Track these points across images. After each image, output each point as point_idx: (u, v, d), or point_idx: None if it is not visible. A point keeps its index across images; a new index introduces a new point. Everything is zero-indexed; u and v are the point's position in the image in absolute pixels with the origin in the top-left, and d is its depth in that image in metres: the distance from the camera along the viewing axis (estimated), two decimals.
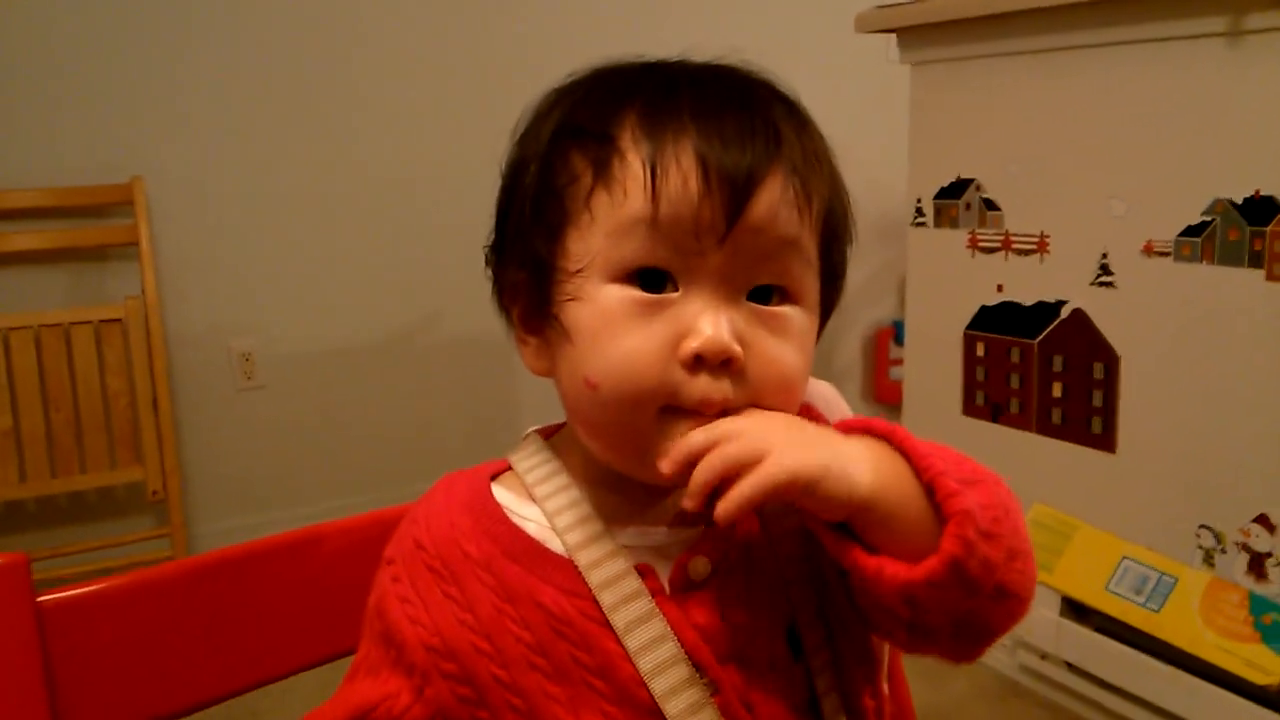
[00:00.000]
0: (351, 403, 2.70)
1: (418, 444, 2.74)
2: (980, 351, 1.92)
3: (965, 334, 1.93)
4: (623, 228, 0.51)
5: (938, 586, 0.48)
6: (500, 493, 0.58)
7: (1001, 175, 1.85)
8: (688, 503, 0.48)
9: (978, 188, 1.89)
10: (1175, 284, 1.59)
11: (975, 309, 1.91)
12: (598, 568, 0.53)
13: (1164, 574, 1.66)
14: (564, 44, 2.67)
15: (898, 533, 0.49)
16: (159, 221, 2.39)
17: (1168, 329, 1.62)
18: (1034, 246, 1.81)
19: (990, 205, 1.87)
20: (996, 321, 1.88)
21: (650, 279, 0.51)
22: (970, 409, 1.95)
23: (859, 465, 0.48)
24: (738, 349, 0.50)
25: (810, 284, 0.55)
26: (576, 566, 0.53)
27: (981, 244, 1.89)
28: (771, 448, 0.47)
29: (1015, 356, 1.85)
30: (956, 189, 1.92)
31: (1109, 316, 1.70)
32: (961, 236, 1.91)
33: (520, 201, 0.55)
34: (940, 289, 1.99)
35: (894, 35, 1.96)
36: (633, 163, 0.51)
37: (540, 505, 0.56)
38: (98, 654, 0.58)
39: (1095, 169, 1.69)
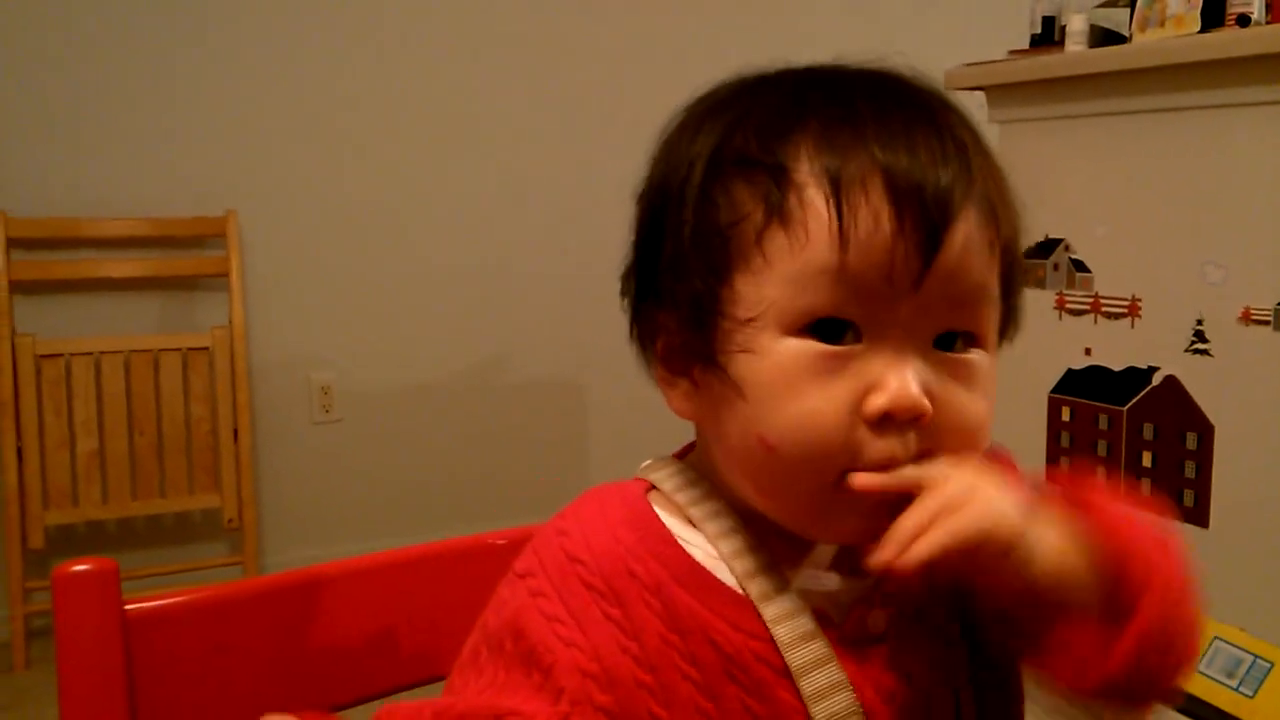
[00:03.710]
0: (424, 440, 2.72)
1: (488, 483, 2.75)
2: (1066, 416, 1.87)
3: (1050, 397, 1.88)
4: (804, 275, 0.46)
5: (1127, 668, 0.47)
6: (659, 511, 0.52)
7: (1090, 236, 1.81)
8: (883, 554, 0.45)
9: (1066, 248, 1.85)
10: (1274, 353, 1.53)
11: (1061, 372, 1.86)
12: (769, 602, 0.49)
13: (1259, 657, 1.58)
14: (648, 79, 2.70)
15: (1074, 610, 0.47)
16: (248, 254, 2.46)
17: (1265, 399, 1.55)
18: (1124, 310, 1.76)
19: (1079, 266, 1.83)
20: (1084, 386, 1.83)
21: (831, 329, 0.46)
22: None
23: (1044, 536, 0.46)
24: (927, 405, 0.46)
25: (994, 326, 0.51)
26: (749, 599, 0.49)
27: (1069, 305, 1.85)
28: (968, 499, 0.45)
29: (1103, 423, 1.80)
30: (1044, 249, 1.88)
31: (1203, 385, 1.64)
32: (1049, 297, 1.87)
33: (673, 237, 0.50)
34: (1025, 350, 1.94)
35: (983, 92, 1.94)
36: (814, 200, 0.46)
37: (700, 528, 0.51)
38: (178, 663, 0.58)
39: (1189, 232, 1.65)
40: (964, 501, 0.45)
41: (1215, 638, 1.63)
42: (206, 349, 2.35)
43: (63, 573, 0.55)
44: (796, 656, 0.48)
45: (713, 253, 0.48)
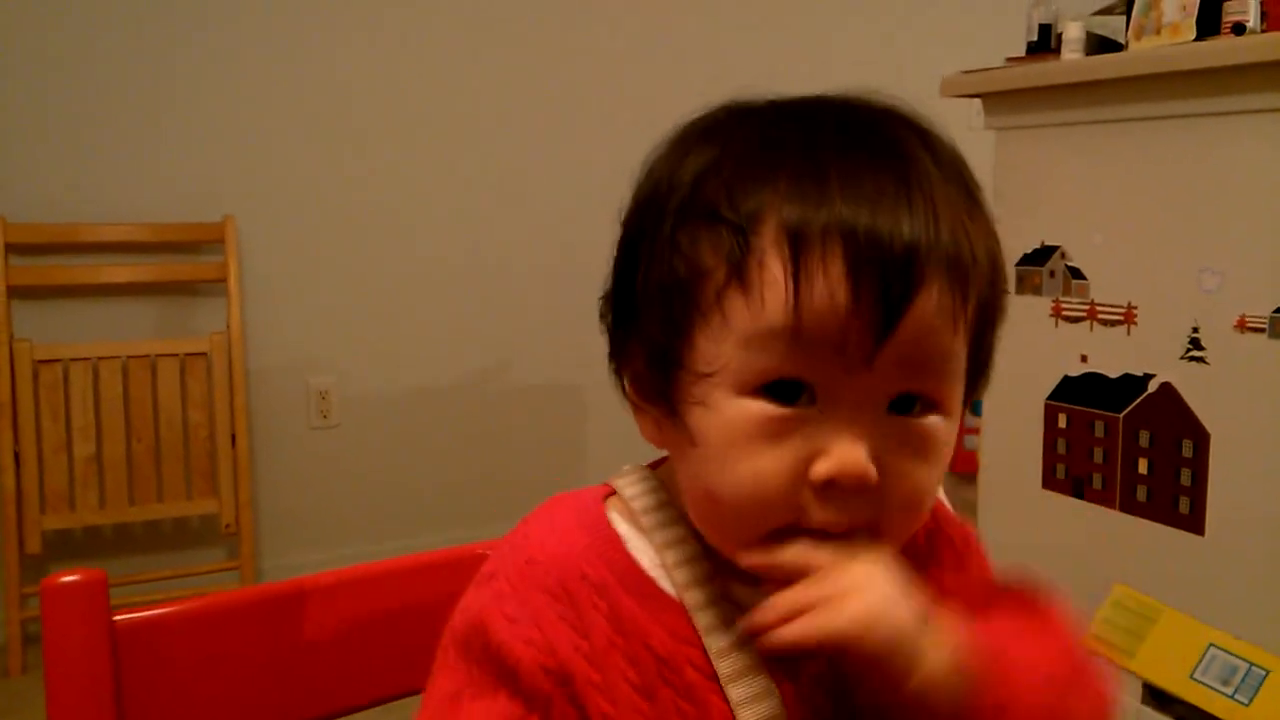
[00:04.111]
0: (423, 445, 2.72)
1: (486, 488, 2.75)
2: (1062, 423, 1.87)
3: (1047, 404, 1.88)
4: (759, 338, 0.46)
5: None
6: (613, 518, 0.54)
7: (1087, 243, 1.81)
8: (752, 622, 0.47)
9: (1062, 255, 1.85)
10: (1269, 361, 1.53)
11: (1058, 379, 1.86)
12: (705, 610, 0.51)
13: (1255, 665, 1.57)
14: (646, 83, 2.71)
15: None
16: (246, 259, 2.46)
17: (1261, 407, 1.55)
18: (1121, 317, 1.76)
19: (1075, 273, 1.83)
20: (1080, 393, 1.83)
21: (785, 390, 0.46)
22: (1050, 482, 1.90)
23: (930, 658, 0.47)
24: (874, 474, 0.46)
25: (957, 392, 0.50)
26: (683, 607, 0.51)
27: (1065, 312, 1.85)
28: (860, 596, 0.45)
29: (1099, 430, 1.80)
30: (1040, 256, 1.88)
31: (1199, 392, 1.64)
32: (1045, 304, 1.88)
33: (641, 276, 0.50)
34: (1022, 357, 1.95)
35: (979, 100, 1.95)
36: (772, 267, 0.46)
37: (648, 536, 0.53)
38: (166, 674, 0.58)
39: (1186, 241, 1.65)
40: (844, 598, 0.45)
41: (1211, 645, 1.63)
42: (204, 354, 2.35)
43: (51, 583, 0.55)
44: (725, 665, 0.50)
45: (674, 304, 0.49)
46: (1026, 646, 0.51)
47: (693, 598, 0.51)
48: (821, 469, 0.46)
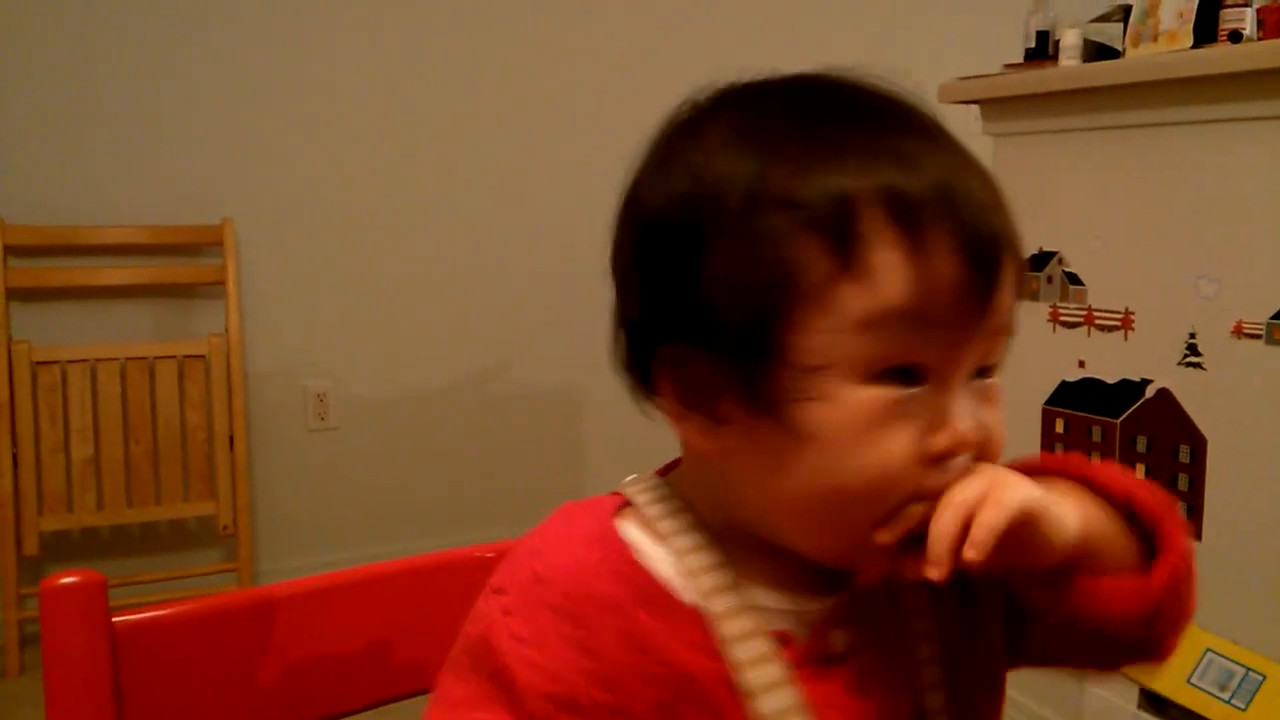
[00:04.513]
0: (420, 448, 2.72)
1: (484, 491, 2.75)
2: (1060, 428, 1.87)
3: (1044, 409, 1.89)
4: (878, 323, 0.45)
5: (1169, 590, 0.51)
6: (626, 528, 0.52)
7: (1085, 249, 1.82)
8: (933, 570, 0.45)
9: (1060, 261, 1.85)
10: (1267, 367, 1.53)
11: (1055, 384, 1.87)
12: (728, 620, 0.49)
13: (1251, 670, 1.58)
14: (646, 84, 2.71)
15: (1107, 561, 0.50)
16: (245, 262, 2.46)
17: (1258, 413, 1.56)
18: (1118, 323, 1.76)
19: (1073, 279, 1.83)
20: (1077, 398, 1.83)
21: (900, 373, 0.46)
22: None
23: (1063, 504, 0.48)
24: (981, 438, 0.48)
25: None
26: (707, 618, 0.49)
27: (1063, 318, 1.85)
28: (994, 486, 0.46)
29: (1096, 435, 1.80)
30: (1038, 261, 1.89)
31: (1197, 398, 1.65)
32: (1042, 309, 1.88)
33: (711, 273, 0.47)
34: (1019, 362, 1.94)
35: (977, 106, 1.95)
36: (883, 248, 0.45)
37: (666, 543, 0.51)
38: (165, 676, 0.59)
39: (1183, 246, 1.65)
40: (990, 488, 0.46)
41: (1208, 650, 1.63)
42: (203, 356, 2.36)
43: (50, 585, 0.55)
44: (750, 677, 0.48)
45: (768, 297, 0.46)
46: (1107, 470, 0.54)
47: (717, 605, 0.49)
48: (943, 442, 0.46)
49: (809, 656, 0.50)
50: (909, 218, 0.45)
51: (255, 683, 0.62)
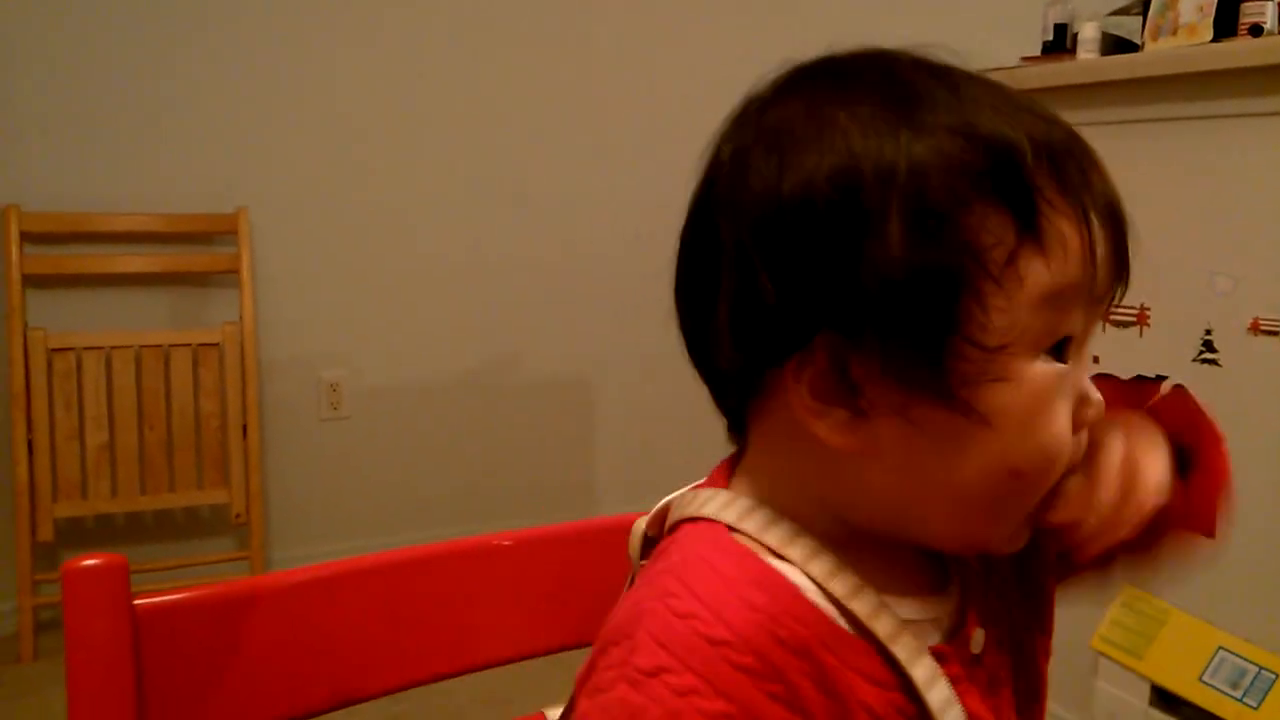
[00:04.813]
0: (432, 438, 2.73)
1: (495, 481, 2.76)
2: None
3: None
4: (1060, 296, 0.44)
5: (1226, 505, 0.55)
6: (770, 560, 0.47)
7: None
8: (1120, 501, 0.49)
9: None
10: None
11: None
12: (894, 644, 0.46)
13: (1264, 668, 1.57)
14: (655, 79, 2.71)
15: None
16: (259, 251, 2.47)
17: (1274, 410, 1.55)
18: (1133, 319, 1.76)
19: None
20: None
21: (1057, 347, 0.45)
22: None
23: (1161, 457, 0.52)
24: None
25: None
26: (874, 647, 0.46)
27: None
28: (1133, 425, 0.52)
29: None
30: None
31: (1211, 395, 1.62)
32: None
33: (878, 256, 0.42)
34: None
35: None
36: (1065, 220, 0.44)
37: (805, 571, 0.46)
38: (186, 659, 0.59)
39: (1199, 242, 1.64)
40: (1137, 428, 0.51)
41: (1220, 648, 1.63)
42: (217, 345, 2.37)
43: (73, 567, 0.55)
44: (934, 696, 0.46)
45: (954, 278, 0.43)
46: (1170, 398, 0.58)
47: (882, 629, 0.46)
48: (1089, 414, 0.47)
49: (961, 660, 0.49)
50: (1082, 194, 0.45)
51: (273, 667, 0.62)
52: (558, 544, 0.73)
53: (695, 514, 0.49)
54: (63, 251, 2.34)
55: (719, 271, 0.46)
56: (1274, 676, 1.56)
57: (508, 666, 0.71)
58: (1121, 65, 1.74)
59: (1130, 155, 1.74)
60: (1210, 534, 0.54)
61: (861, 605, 0.46)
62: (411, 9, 2.62)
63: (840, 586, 0.46)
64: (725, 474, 0.52)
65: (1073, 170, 0.45)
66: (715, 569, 0.46)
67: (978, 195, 0.43)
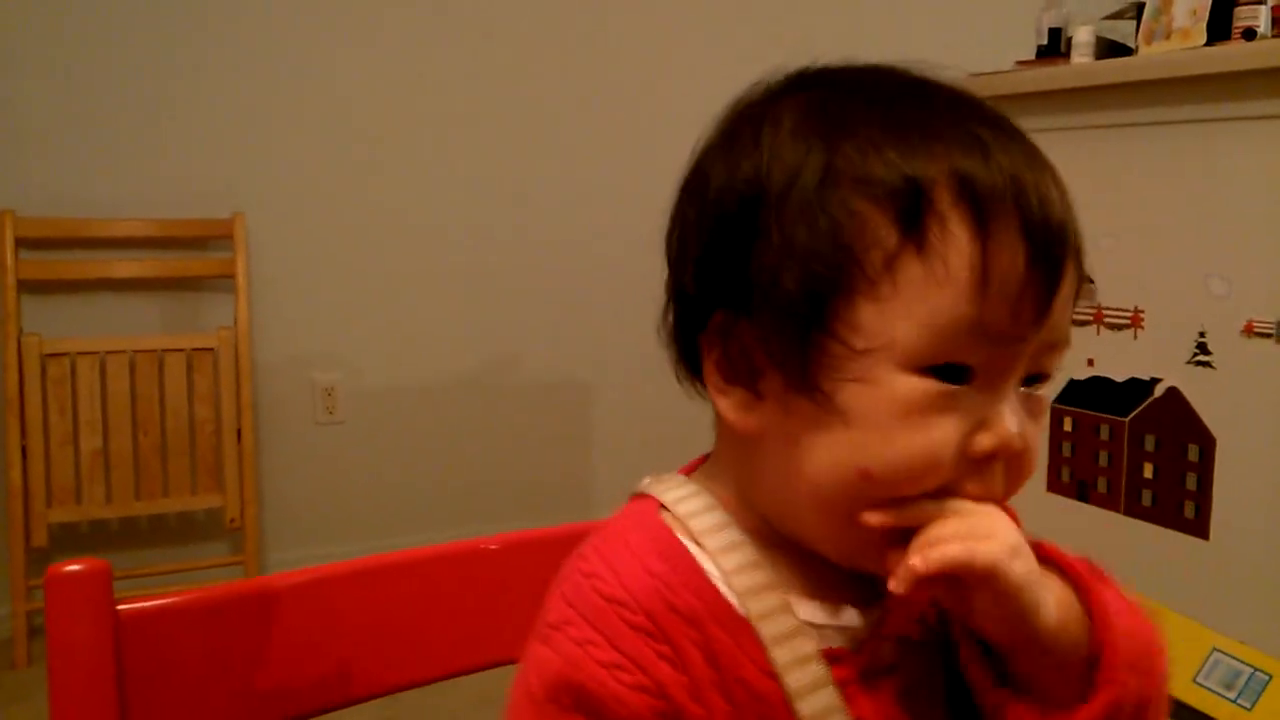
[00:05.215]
0: (428, 441, 2.73)
1: (490, 485, 2.75)
2: (1068, 426, 1.86)
3: (1053, 407, 1.88)
4: (938, 316, 0.44)
5: None
6: (681, 538, 0.50)
7: (1095, 247, 1.80)
8: (904, 567, 0.44)
9: None
10: (1277, 366, 1.53)
11: (1064, 382, 1.86)
12: (782, 645, 0.48)
13: (1258, 670, 1.57)
14: (652, 81, 2.71)
15: (1048, 673, 0.47)
16: (255, 256, 2.47)
17: (1267, 412, 1.55)
18: (1128, 321, 1.76)
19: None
20: (1086, 396, 1.83)
21: (949, 371, 0.45)
22: (1055, 485, 1.89)
23: (1049, 599, 0.46)
24: (1025, 444, 0.46)
25: None
26: (760, 639, 0.47)
27: (1073, 316, 1.84)
28: (998, 532, 0.45)
29: (1105, 433, 1.80)
30: None
31: (1206, 397, 1.64)
32: None
33: (772, 246, 0.46)
34: None
35: None
36: (957, 232, 0.43)
37: (714, 560, 0.49)
38: (170, 665, 0.59)
39: (1193, 245, 1.65)
40: (988, 533, 0.45)
41: (1214, 650, 1.63)
42: (212, 349, 2.36)
43: (55, 573, 0.55)
44: (806, 706, 0.47)
45: (830, 273, 0.45)
46: (1115, 600, 0.50)
47: (770, 629, 0.48)
48: (986, 442, 0.45)
49: (860, 673, 0.49)
50: (980, 206, 0.44)
51: (259, 672, 0.62)
52: (549, 547, 0.73)
53: (643, 490, 0.53)
54: (58, 257, 2.34)
55: (667, 251, 0.52)
56: (1268, 678, 1.56)
57: (503, 668, 0.70)
58: (1116, 69, 1.74)
59: (1124, 159, 1.75)
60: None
61: (757, 604, 0.48)
62: (410, 11, 2.62)
63: (743, 582, 0.48)
64: (699, 463, 0.55)
65: (997, 211, 0.44)
66: (626, 540, 0.50)
67: (869, 200, 0.44)
